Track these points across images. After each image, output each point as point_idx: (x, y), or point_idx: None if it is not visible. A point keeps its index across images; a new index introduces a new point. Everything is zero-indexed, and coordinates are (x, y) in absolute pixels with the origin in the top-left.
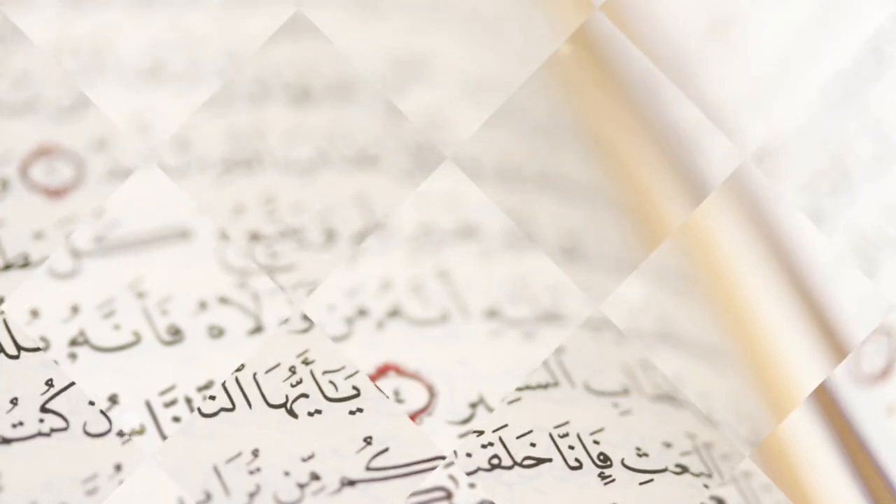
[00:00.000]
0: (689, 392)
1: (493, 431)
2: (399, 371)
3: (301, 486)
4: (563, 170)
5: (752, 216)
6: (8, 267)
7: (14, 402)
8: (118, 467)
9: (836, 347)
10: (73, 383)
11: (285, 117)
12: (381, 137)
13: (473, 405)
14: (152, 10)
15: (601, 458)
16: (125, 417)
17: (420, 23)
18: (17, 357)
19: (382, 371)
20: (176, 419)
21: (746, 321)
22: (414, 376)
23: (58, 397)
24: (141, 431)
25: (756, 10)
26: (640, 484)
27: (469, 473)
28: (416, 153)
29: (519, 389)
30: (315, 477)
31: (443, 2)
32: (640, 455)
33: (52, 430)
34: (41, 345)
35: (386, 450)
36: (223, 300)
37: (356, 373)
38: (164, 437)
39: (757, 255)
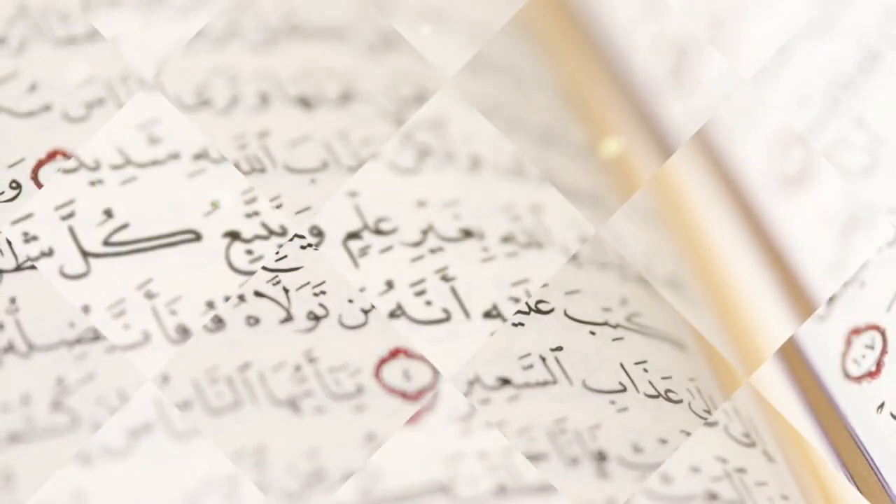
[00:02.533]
0: (683, 394)
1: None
2: (408, 354)
3: (305, 481)
4: (529, 116)
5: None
6: (19, 268)
7: (25, 400)
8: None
9: (803, 302)
10: (82, 381)
11: (289, 122)
12: (382, 135)
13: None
14: (161, 17)
15: (598, 454)
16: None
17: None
18: (28, 355)
19: (393, 354)
20: (183, 417)
21: (712, 270)
22: (422, 359)
23: (68, 395)
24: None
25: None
26: (636, 480)
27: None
28: (418, 147)
29: (517, 387)
30: (319, 472)
31: None
32: (636, 451)
33: (63, 428)
34: (52, 342)
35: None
36: (230, 301)
37: (361, 370)
38: (171, 434)
39: (722, 211)
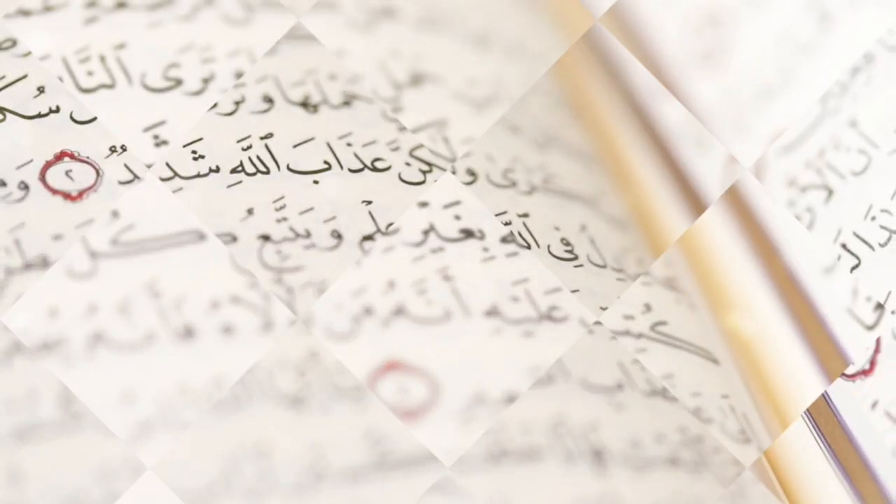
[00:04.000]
0: (680, 391)
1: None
2: (403, 368)
3: (310, 475)
4: (560, 177)
5: (749, 227)
6: (28, 267)
7: (33, 398)
8: (134, 468)
9: (832, 358)
10: (90, 380)
11: (292, 125)
12: (385, 145)
13: (474, 401)
14: (165, 23)
15: (595, 451)
16: None
17: (420, 33)
18: (37, 353)
19: (387, 368)
20: (188, 415)
21: (743, 329)
22: (417, 372)
23: (76, 393)
24: None
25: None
26: (634, 475)
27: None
28: (419, 159)
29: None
30: (321, 468)
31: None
32: (633, 448)
33: (70, 427)
34: (59, 342)
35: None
36: (234, 300)
37: (362, 369)
38: (177, 431)
39: (753, 266)
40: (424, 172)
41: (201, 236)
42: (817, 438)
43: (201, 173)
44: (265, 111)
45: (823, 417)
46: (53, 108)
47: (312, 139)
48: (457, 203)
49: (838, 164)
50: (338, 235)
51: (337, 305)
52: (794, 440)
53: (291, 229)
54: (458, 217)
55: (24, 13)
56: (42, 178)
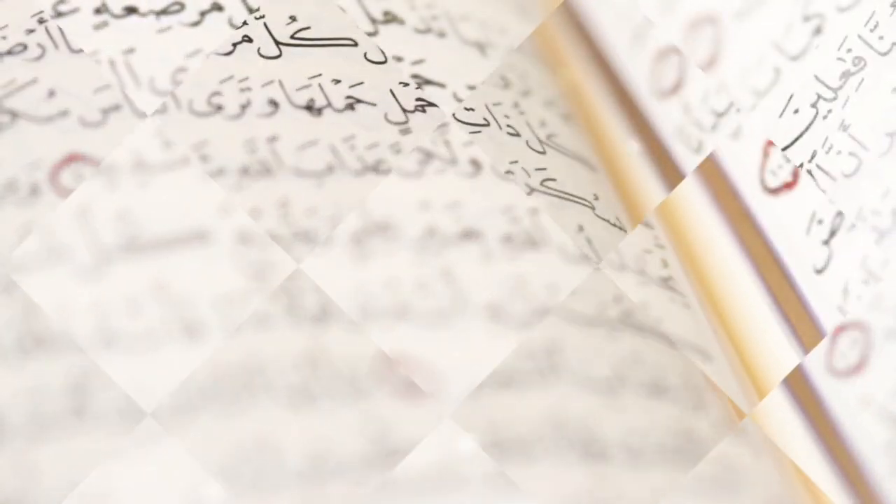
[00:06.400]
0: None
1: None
2: (404, 363)
3: (314, 465)
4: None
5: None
6: (35, 266)
7: (43, 395)
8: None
9: (792, 303)
10: (98, 378)
11: (297, 128)
12: (386, 140)
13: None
14: (176, 24)
15: (592, 445)
16: None
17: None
18: (45, 350)
19: (388, 364)
20: (192, 412)
21: (702, 270)
22: (419, 367)
23: (84, 392)
24: None
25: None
26: (629, 468)
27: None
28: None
29: (514, 379)
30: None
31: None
32: (627, 443)
33: (78, 427)
34: (67, 342)
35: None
36: (240, 298)
37: (363, 365)
38: (181, 428)
39: (711, 212)
40: (422, 163)
41: (206, 236)
42: (810, 433)
43: (208, 174)
44: (270, 114)
45: (814, 413)
46: (63, 110)
47: (317, 142)
48: (457, 203)
49: (829, 166)
50: (340, 235)
51: (338, 304)
52: (785, 436)
53: (295, 230)
54: (458, 218)
55: (40, 20)
56: (52, 179)
